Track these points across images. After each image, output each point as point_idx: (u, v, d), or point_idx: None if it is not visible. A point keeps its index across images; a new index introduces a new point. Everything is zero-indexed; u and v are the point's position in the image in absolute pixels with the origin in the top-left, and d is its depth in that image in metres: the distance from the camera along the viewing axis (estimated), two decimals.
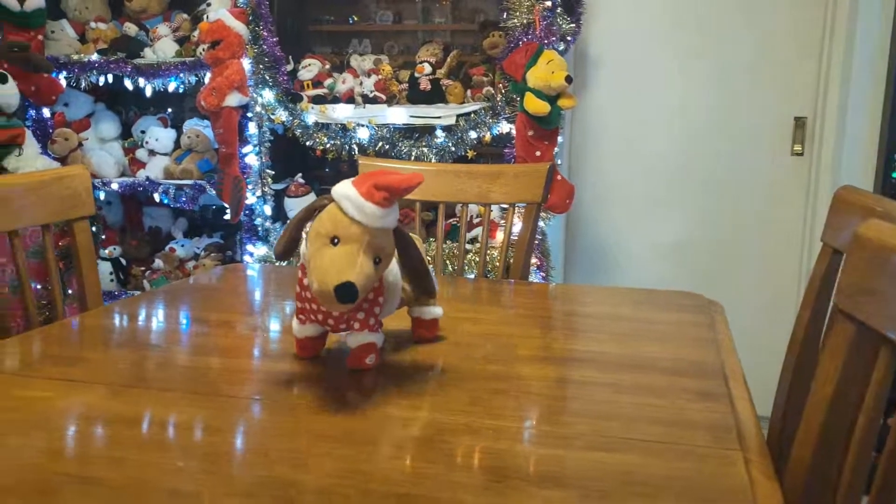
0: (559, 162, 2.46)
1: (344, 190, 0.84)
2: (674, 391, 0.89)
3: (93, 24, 2.83)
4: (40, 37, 2.71)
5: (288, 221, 0.86)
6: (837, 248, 1.08)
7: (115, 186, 2.78)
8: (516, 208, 1.80)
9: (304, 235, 0.88)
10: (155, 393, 0.87)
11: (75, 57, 2.71)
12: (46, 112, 2.85)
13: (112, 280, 2.86)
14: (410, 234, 0.93)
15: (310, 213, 0.87)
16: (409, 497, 0.63)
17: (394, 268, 0.96)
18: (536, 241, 2.34)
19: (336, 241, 0.81)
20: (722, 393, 0.89)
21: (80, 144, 2.82)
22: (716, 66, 2.62)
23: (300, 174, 2.72)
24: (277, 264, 2.51)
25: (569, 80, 2.15)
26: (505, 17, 2.32)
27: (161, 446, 0.74)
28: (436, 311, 1.06)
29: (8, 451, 0.72)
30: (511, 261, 1.72)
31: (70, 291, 2.59)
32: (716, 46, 2.61)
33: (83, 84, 2.76)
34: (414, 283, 0.96)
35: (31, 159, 2.41)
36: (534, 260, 2.33)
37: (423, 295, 0.98)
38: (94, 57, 2.70)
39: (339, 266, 0.78)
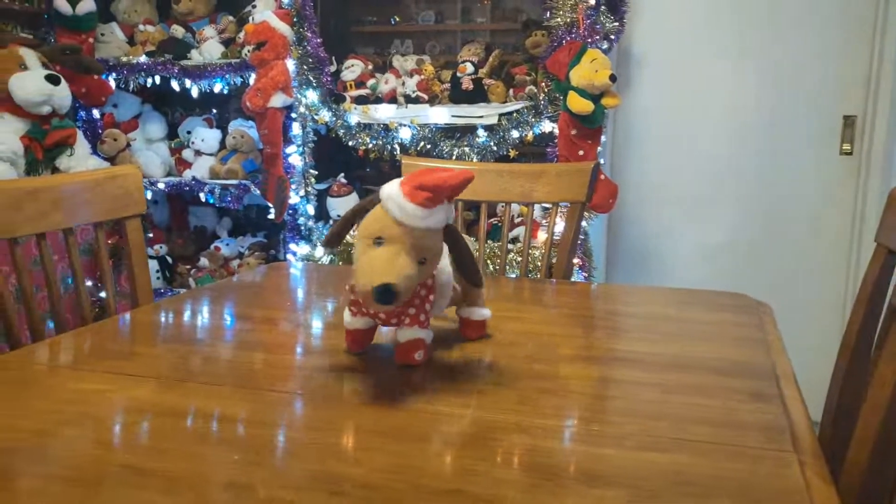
0: (602, 161, 2.45)
1: (389, 190, 0.84)
2: (723, 392, 0.88)
3: (141, 27, 2.88)
4: (91, 39, 2.77)
5: (338, 217, 0.86)
6: (894, 248, 1.06)
7: (161, 186, 2.83)
8: (559, 208, 1.79)
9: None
10: (205, 387, 0.89)
11: (124, 59, 2.77)
12: (96, 113, 2.92)
13: (159, 278, 2.92)
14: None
15: (359, 213, 0.87)
16: (459, 493, 0.64)
17: (446, 267, 0.97)
18: (579, 241, 2.32)
19: (380, 241, 0.81)
20: (773, 394, 0.88)
21: (129, 145, 2.88)
22: (763, 63, 2.58)
23: (342, 174, 2.74)
24: (320, 262, 2.53)
25: (613, 78, 2.13)
26: (548, 16, 2.31)
27: (213, 439, 0.75)
28: (484, 312, 1.07)
29: (66, 441, 0.74)
30: (554, 260, 1.72)
31: (118, 288, 2.65)
32: (763, 44, 2.57)
33: (131, 85, 2.82)
34: (461, 273, 0.95)
35: (82, 159, 2.47)
36: (576, 260, 2.32)
37: (470, 282, 0.97)
38: (143, 59, 2.75)
39: (379, 267, 0.79)
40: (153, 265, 2.93)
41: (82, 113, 2.88)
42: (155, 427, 0.78)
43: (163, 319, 1.23)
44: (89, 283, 2.43)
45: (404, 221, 0.81)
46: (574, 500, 0.62)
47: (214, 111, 3.12)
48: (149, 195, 2.98)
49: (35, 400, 0.85)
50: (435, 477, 0.66)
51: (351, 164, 2.85)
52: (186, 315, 1.26)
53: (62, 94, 2.40)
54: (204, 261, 2.95)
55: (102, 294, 2.47)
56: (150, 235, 3.06)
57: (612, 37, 2.36)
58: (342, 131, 2.52)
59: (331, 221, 2.71)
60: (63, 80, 2.40)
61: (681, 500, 0.63)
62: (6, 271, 1.21)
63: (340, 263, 2.45)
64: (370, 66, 2.69)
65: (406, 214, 0.81)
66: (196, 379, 0.92)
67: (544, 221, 2.46)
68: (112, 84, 2.77)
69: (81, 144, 2.51)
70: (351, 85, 2.61)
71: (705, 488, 0.65)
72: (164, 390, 0.88)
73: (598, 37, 2.27)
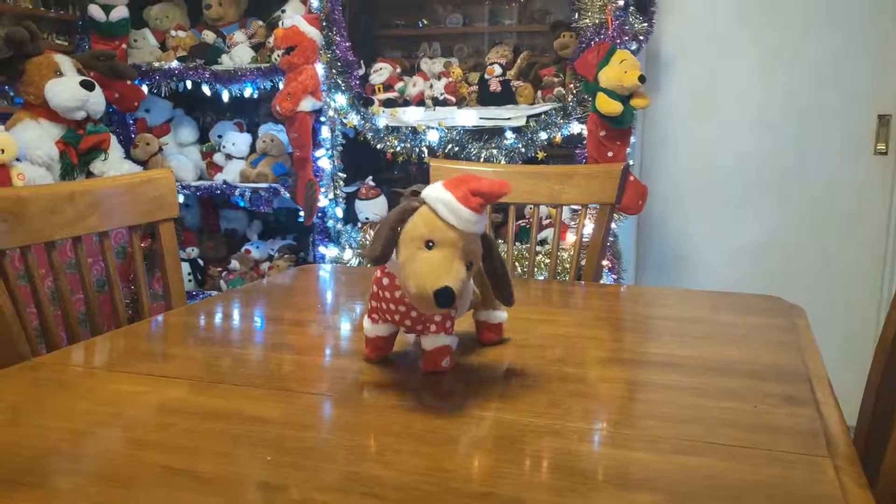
0: (631, 162, 2.43)
1: (438, 194, 0.84)
2: (757, 395, 0.87)
3: (173, 33, 2.92)
4: (124, 46, 2.82)
5: (378, 226, 0.87)
6: None
7: (193, 189, 2.86)
8: (587, 209, 1.78)
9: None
10: (237, 389, 0.90)
11: (156, 64, 2.81)
12: (129, 118, 2.96)
13: (190, 280, 2.95)
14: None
15: (403, 217, 0.86)
16: (492, 496, 0.64)
17: None
18: (608, 243, 2.31)
19: (431, 244, 0.81)
20: (808, 398, 0.86)
21: (161, 149, 2.92)
22: (794, 62, 2.54)
23: (370, 177, 2.76)
24: (348, 264, 2.55)
25: (642, 79, 2.12)
26: (576, 17, 2.30)
27: (246, 440, 0.76)
28: (502, 314, 1.07)
29: (102, 441, 0.75)
30: (583, 263, 1.71)
31: (150, 291, 2.68)
32: (794, 42, 2.53)
33: (163, 90, 2.85)
34: (494, 287, 0.94)
35: (116, 164, 2.50)
36: (605, 262, 2.31)
37: (502, 301, 0.95)
38: (174, 64, 2.79)
39: (437, 270, 0.79)
40: (185, 268, 2.96)
41: (115, 118, 2.93)
42: (189, 428, 0.79)
43: (195, 322, 1.24)
44: (122, 286, 2.46)
45: (457, 226, 0.82)
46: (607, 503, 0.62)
47: (245, 115, 3.15)
48: (180, 199, 3.02)
49: (71, 401, 0.86)
50: (466, 480, 0.67)
51: (379, 166, 2.87)
52: (218, 317, 1.28)
53: (96, 100, 2.44)
54: (235, 263, 2.98)
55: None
56: (182, 238, 3.10)
57: (641, 37, 2.35)
58: (370, 134, 2.53)
59: (359, 224, 2.73)
60: (97, 86, 2.44)
61: None
62: (42, 274, 1.23)
63: (369, 266, 2.46)
64: (398, 70, 2.70)
65: (460, 219, 0.82)
66: (229, 380, 0.93)
67: (573, 223, 2.45)
68: (144, 89, 2.82)
69: (115, 149, 2.55)
70: (379, 88, 2.62)
71: (739, 493, 0.64)
72: (197, 392, 0.89)
73: (626, 37, 2.25)
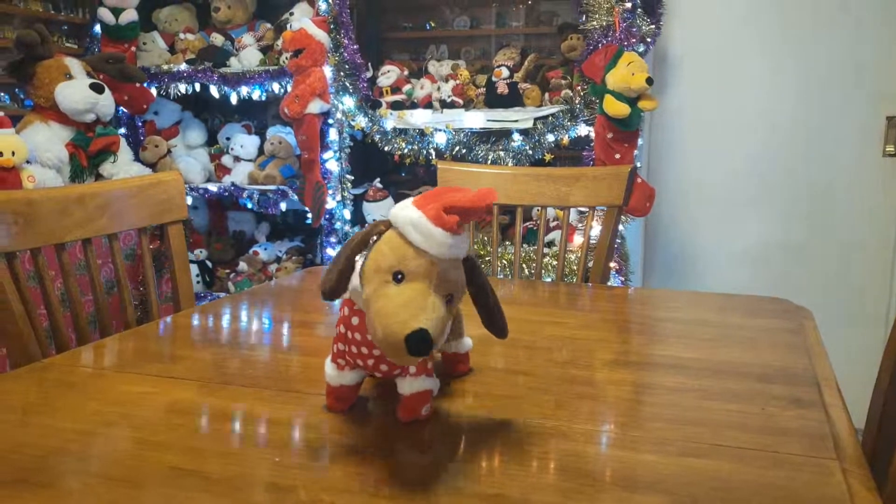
0: (638, 164, 2.43)
1: (406, 213, 0.69)
2: (764, 398, 0.87)
3: (181, 35, 2.94)
4: (133, 48, 2.84)
5: (336, 254, 0.72)
6: None
7: (201, 192, 2.87)
8: (595, 212, 1.78)
9: (357, 268, 0.74)
10: (245, 390, 0.90)
11: (165, 67, 2.83)
12: (138, 120, 2.98)
13: (199, 282, 2.96)
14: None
15: (363, 243, 0.72)
16: (500, 497, 0.64)
17: None
18: (616, 245, 2.31)
19: (400, 276, 0.67)
20: (815, 400, 0.86)
21: (169, 151, 2.94)
22: (802, 64, 2.54)
23: (378, 179, 2.76)
24: None
25: (650, 81, 2.12)
26: (584, 19, 2.30)
27: (254, 441, 0.76)
28: (468, 342, 0.94)
29: (111, 442, 0.75)
30: (590, 265, 1.71)
31: (158, 292, 2.69)
32: (802, 43, 2.53)
33: (172, 93, 2.87)
34: (485, 319, 0.78)
35: (125, 166, 2.52)
36: (612, 264, 2.31)
37: (495, 334, 0.79)
38: (183, 67, 2.80)
39: (408, 309, 0.65)
40: (193, 269, 2.97)
41: (125, 120, 2.94)
42: (197, 429, 0.79)
43: (204, 323, 1.25)
44: (131, 288, 2.47)
45: (429, 251, 0.68)
46: None
47: (253, 118, 3.16)
48: (189, 200, 3.03)
49: (81, 401, 0.87)
50: (473, 480, 0.67)
51: (387, 169, 2.87)
52: (226, 319, 1.28)
53: (106, 103, 2.45)
54: (243, 265, 2.99)
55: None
56: (191, 240, 3.11)
57: (649, 39, 2.34)
58: (378, 136, 2.54)
59: (367, 226, 2.73)
60: (107, 89, 2.46)
61: None
62: (52, 275, 1.24)
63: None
64: (406, 72, 2.71)
65: (432, 242, 0.67)
66: (237, 382, 0.94)
67: (580, 225, 2.45)
68: (153, 92, 2.83)
69: (124, 151, 2.57)
70: (387, 90, 2.63)
71: (746, 495, 0.64)
72: (206, 393, 0.90)
73: (634, 40, 2.25)
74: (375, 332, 0.67)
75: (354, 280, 0.73)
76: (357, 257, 0.73)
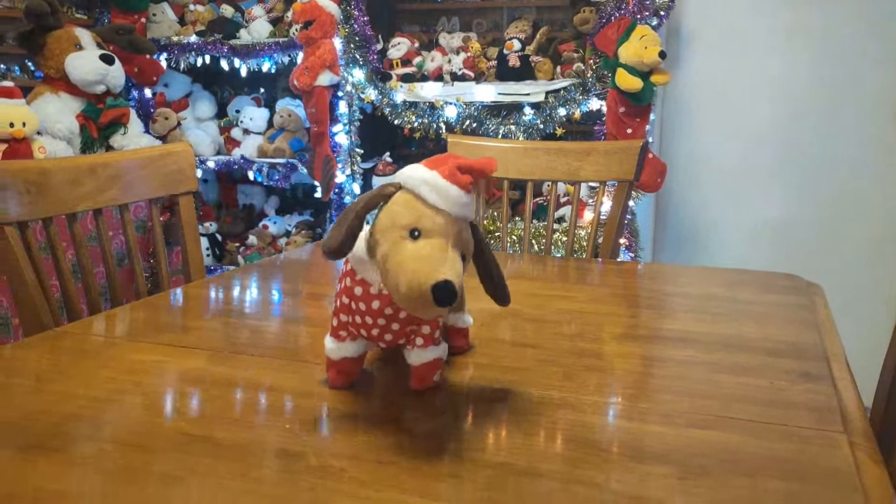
0: (650, 139, 2.42)
1: (420, 174, 0.70)
2: (773, 372, 0.87)
3: (191, 7, 2.93)
4: (143, 20, 2.83)
5: (341, 215, 0.71)
6: None
7: (211, 164, 2.88)
8: (605, 187, 1.77)
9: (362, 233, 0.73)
10: (255, 359, 0.91)
11: (175, 39, 2.82)
12: (148, 92, 2.98)
13: (208, 255, 2.98)
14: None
15: (373, 203, 0.71)
16: (507, 466, 0.64)
17: None
18: (626, 221, 2.30)
19: (417, 234, 0.67)
20: (824, 375, 0.86)
21: (179, 124, 2.94)
22: (819, 38, 2.50)
23: (388, 153, 2.76)
24: None
25: (662, 55, 2.10)
26: None
27: (264, 409, 0.77)
28: (469, 318, 0.93)
29: (123, 408, 0.76)
30: (600, 240, 1.71)
31: (168, 264, 2.71)
32: (817, 18, 2.49)
33: (182, 65, 2.86)
34: (487, 285, 0.78)
35: (135, 138, 2.52)
36: (622, 240, 2.30)
37: (498, 300, 0.79)
38: (193, 38, 2.79)
39: (432, 262, 0.65)
40: (203, 243, 2.99)
41: (135, 92, 2.94)
42: (208, 396, 0.80)
43: (214, 295, 1.26)
44: (142, 260, 2.49)
45: (446, 209, 0.68)
46: (622, 476, 0.63)
47: (262, 90, 3.15)
48: (199, 173, 3.03)
49: (94, 369, 0.87)
50: (481, 449, 0.67)
51: (396, 142, 2.87)
52: (236, 291, 1.29)
53: (116, 74, 2.45)
54: (252, 238, 3.00)
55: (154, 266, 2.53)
56: (201, 213, 3.12)
57: (662, 13, 2.32)
58: (388, 109, 2.53)
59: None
60: (117, 60, 2.45)
61: (730, 477, 0.63)
62: (64, 247, 1.24)
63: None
64: (416, 44, 2.69)
65: (448, 201, 0.68)
66: (247, 351, 0.94)
67: (590, 201, 2.44)
68: (163, 63, 2.82)
69: (134, 123, 2.57)
70: (397, 63, 2.61)
71: (754, 466, 0.64)
72: (216, 362, 0.90)
73: (647, 13, 2.23)
74: (397, 286, 0.65)
75: (359, 248, 0.73)
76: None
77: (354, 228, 0.70)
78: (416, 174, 0.70)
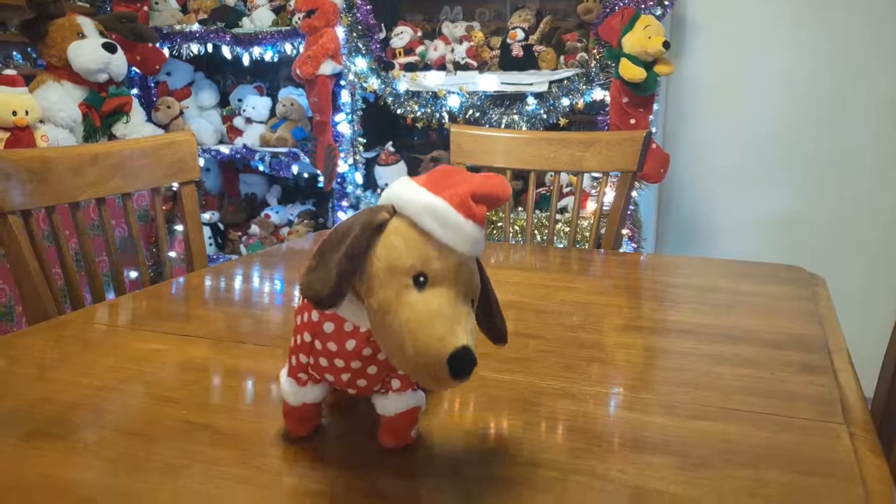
0: (654, 130, 2.41)
1: (423, 200, 0.56)
2: (775, 364, 0.87)
3: None
4: (146, 8, 2.82)
5: (319, 247, 0.57)
6: None
7: (213, 153, 2.87)
8: (608, 177, 1.77)
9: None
10: (259, 349, 0.91)
11: (177, 27, 2.81)
12: (150, 81, 2.97)
13: (211, 244, 2.98)
14: None
15: (363, 241, 0.56)
16: (507, 455, 0.65)
17: None
18: (629, 212, 2.30)
19: (422, 280, 0.54)
20: (825, 367, 0.86)
21: (182, 112, 2.93)
22: (824, 31, 2.49)
23: (390, 142, 2.75)
24: None
25: (666, 45, 2.09)
26: None
27: (265, 397, 0.77)
28: None
29: (125, 396, 0.76)
30: (602, 231, 1.70)
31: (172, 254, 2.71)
32: (821, 10, 2.48)
33: (184, 54, 2.86)
34: (486, 322, 0.66)
35: (137, 126, 2.52)
36: (625, 231, 2.30)
37: (495, 340, 0.67)
38: (195, 27, 2.79)
39: (442, 322, 0.52)
40: (205, 232, 2.99)
41: (137, 81, 2.94)
42: (210, 385, 0.80)
43: (217, 284, 1.26)
44: (144, 250, 2.49)
45: (456, 248, 0.55)
46: (622, 466, 0.63)
47: (265, 79, 3.15)
48: (201, 162, 3.03)
49: (96, 357, 0.88)
50: (482, 439, 0.67)
51: (399, 132, 2.86)
52: (239, 280, 1.29)
53: (118, 62, 2.44)
54: (254, 228, 3.00)
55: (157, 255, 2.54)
56: (203, 202, 3.12)
57: (667, 2, 2.31)
58: (391, 99, 2.53)
59: (378, 190, 2.72)
60: (119, 49, 2.45)
61: (730, 468, 0.63)
62: (67, 235, 1.25)
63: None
64: (419, 33, 2.68)
65: (461, 237, 0.55)
66: (249, 340, 0.94)
67: (593, 191, 2.44)
68: (166, 52, 2.82)
69: (137, 112, 2.56)
70: (400, 52, 2.60)
71: (754, 457, 0.65)
72: (218, 351, 0.91)
73: (651, 2, 2.22)
74: (401, 348, 0.53)
75: None
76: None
77: (346, 273, 0.55)
78: (417, 199, 0.56)
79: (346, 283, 0.55)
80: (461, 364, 0.51)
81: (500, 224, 2.34)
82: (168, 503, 0.57)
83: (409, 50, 2.61)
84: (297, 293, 0.60)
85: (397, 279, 0.54)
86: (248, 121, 2.96)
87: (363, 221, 0.56)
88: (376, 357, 0.62)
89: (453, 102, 2.44)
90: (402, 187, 0.57)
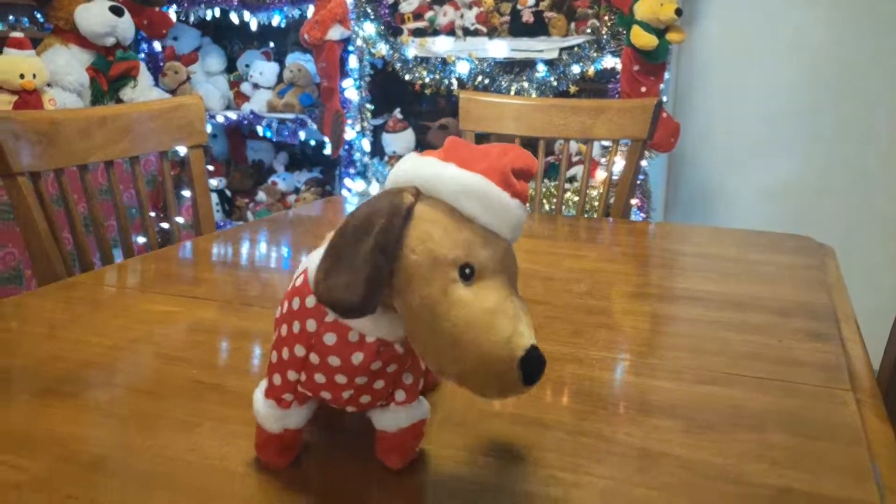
0: (664, 98, 2.39)
1: (458, 176, 0.47)
2: (782, 331, 0.87)
3: None
4: None
5: (331, 242, 0.49)
6: None
7: (220, 119, 2.87)
8: (618, 146, 1.76)
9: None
10: (266, 311, 0.92)
11: None
12: (158, 46, 2.95)
13: (218, 211, 2.99)
14: None
15: (392, 233, 0.46)
16: (517, 416, 0.65)
17: None
18: (638, 181, 2.29)
19: (469, 271, 0.46)
20: (832, 334, 0.86)
21: (189, 77, 2.92)
22: None
23: (398, 109, 2.74)
24: None
25: (678, 12, 2.07)
26: None
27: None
28: None
29: (135, 356, 0.77)
30: (612, 200, 1.70)
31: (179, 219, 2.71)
32: None
33: (191, 18, 2.83)
34: None
35: (145, 91, 2.51)
36: (634, 200, 2.29)
37: None
38: None
39: (503, 320, 0.45)
40: (213, 198, 2.99)
41: (144, 46, 2.92)
42: (218, 346, 0.81)
43: (224, 249, 1.26)
44: (152, 214, 2.50)
45: (500, 232, 0.48)
46: (629, 428, 0.63)
47: (272, 44, 3.13)
48: (208, 128, 3.02)
49: (106, 318, 0.88)
50: (487, 401, 0.68)
51: (407, 99, 2.84)
52: (246, 245, 1.29)
53: (125, 26, 2.43)
54: (261, 195, 3.00)
55: (164, 224, 2.55)
56: (211, 169, 3.12)
57: None
58: (399, 65, 2.51)
59: (386, 158, 2.71)
60: (126, 12, 2.43)
61: (735, 431, 0.63)
62: (76, 199, 1.25)
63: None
64: None
65: (505, 219, 0.48)
66: (257, 304, 0.95)
67: (603, 160, 2.42)
68: (172, 16, 2.80)
69: (144, 76, 2.55)
70: (409, 17, 2.58)
71: (760, 421, 0.65)
72: (227, 313, 0.91)
73: None
74: (461, 357, 0.45)
75: (310, 262, 0.53)
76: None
77: (380, 271, 0.46)
78: (454, 177, 0.47)
79: (381, 284, 0.46)
80: (534, 367, 0.45)
81: None
82: (180, 459, 0.58)
83: (417, 15, 2.58)
84: (282, 298, 0.55)
85: (441, 273, 0.45)
86: (256, 86, 2.94)
87: (389, 207, 0.46)
88: (385, 370, 0.53)
89: (462, 69, 2.42)
90: (424, 164, 0.48)
